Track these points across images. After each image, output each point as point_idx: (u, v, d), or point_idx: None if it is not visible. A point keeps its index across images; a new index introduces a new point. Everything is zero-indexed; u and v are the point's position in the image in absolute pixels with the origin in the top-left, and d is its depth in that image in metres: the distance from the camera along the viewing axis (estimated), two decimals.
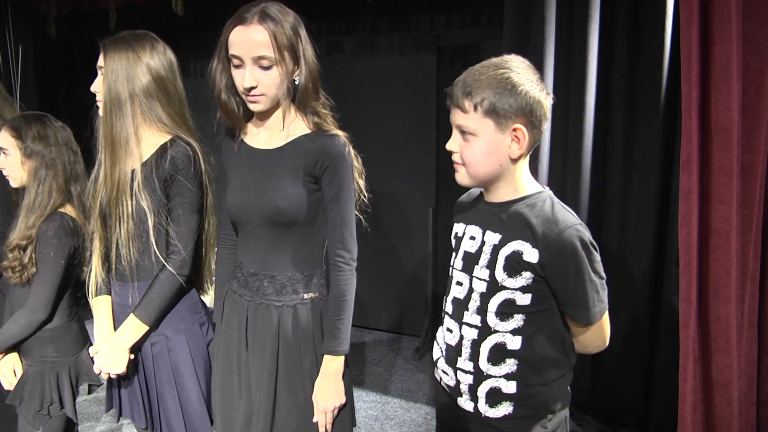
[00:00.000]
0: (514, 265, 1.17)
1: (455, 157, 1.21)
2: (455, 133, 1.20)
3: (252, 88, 1.32)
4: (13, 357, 1.73)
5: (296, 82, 1.37)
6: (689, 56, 1.74)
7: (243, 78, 1.32)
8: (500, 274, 1.18)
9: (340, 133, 1.40)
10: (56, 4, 3.76)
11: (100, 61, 1.50)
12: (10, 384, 1.73)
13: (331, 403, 1.41)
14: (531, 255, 1.15)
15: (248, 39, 1.29)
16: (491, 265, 1.19)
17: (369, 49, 3.65)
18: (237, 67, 1.33)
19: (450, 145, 1.21)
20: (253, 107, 1.37)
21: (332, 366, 1.41)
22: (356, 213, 1.49)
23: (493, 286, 1.20)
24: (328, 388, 1.41)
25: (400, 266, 3.79)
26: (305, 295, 1.44)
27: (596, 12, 2.26)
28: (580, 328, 1.23)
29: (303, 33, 1.35)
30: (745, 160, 1.76)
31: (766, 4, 1.70)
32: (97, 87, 1.52)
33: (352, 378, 3.16)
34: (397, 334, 3.83)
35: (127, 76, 1.45)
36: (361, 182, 1.49)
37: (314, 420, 1.43)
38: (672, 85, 2.25)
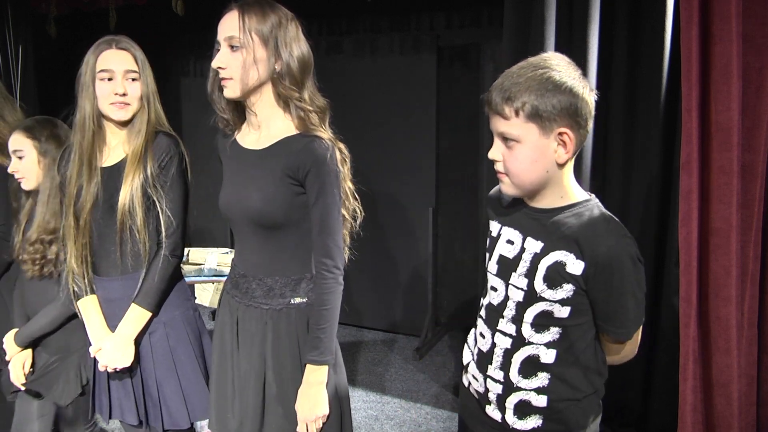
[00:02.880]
0: (556, 276, 1.12)
1: (498, 167, 1.14)
2: (497, 141, 1.12)
3: (221, 70, 1.34)
4: (28, 353, 1.77)
5: (275, 75, 1.34)
6: (689, 56, 1.74)
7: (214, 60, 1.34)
8: (540, 285, 1.13)
9: (324, 135, 1.36)
10: (56, 4, 3.76)
11: (136, 66, 1.56)
12: (17, 378, 1.75)
13: (312, 414, 1.37)
14: (575, 267, 1.10)
15: (223, 22, 1.33)
16: (530, 275, 1.14)
17: (369, 49, 3.65)
18: (218, 52, 1.35)
19: (492, 154, 1.13)
20: (225, 93, 1.37)
21: (313, 376, 1.37)
22: (348, 218, 1.46)
23: (531, 297, 1.14)
24: (309, 398, 1.37)
25: (400, 266, 3.79)
26: (293, 300, 1.41)
27: (596, 12, 2.26)
28: (615, 345, 1.19)
29: (291, 28, 1.34)
30: (745, 160, 1.76)
31: (766, 4, 1.70)
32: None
33: (352, 379, 3.14)
34: (397, 334, 3.83)
35: (150, 81, 1.58)
36: (350, 185, 1.45)
37: (297, 430, 1.40)
38: (672, 85, 2.25)
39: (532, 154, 1.09)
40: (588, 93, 1.09)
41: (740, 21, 1.68)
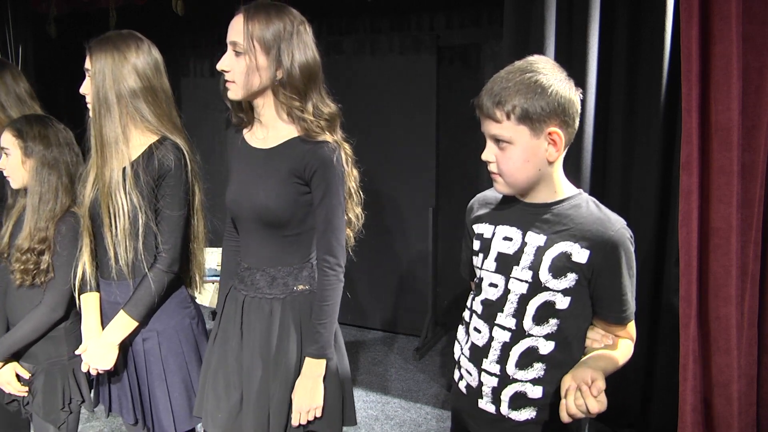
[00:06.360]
0: (561, 266, 1.16)
1: (491, 167, 1.19)
2: (489, 143, 1.18)
3: (225, 72, 1.36)
4: (14, 364, 1.71)
5: (276, 82, 1.37)
6: (689, 56, 1.74)
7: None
8: (545, 275, 1.17)
9: (329, 139, 1.41)
10: (56, 4, 3.76)
11: (87, 63, 1.51)
12: (15, 390, 1.71)
13: (306, 405, 1.43)
14: (580, 256, 1.15)
15: (231, 25, 1.36)
16: (534, 267, 1.18)
17: (369, 49, 3.65)
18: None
19: (486, 156, 1.19)
20: (228, 95, 1.40)
21: (312, 369, 1.43)
22: (354, 219, 1.51)
23: (536, 288, 1.19)
24: (306, 390, 1.43)
25: (400, 266, 3.79)
26: (296, 287, 1.46)
27: (596, 12, 2.26)
28: (617, 331, 1.23)
29: (296, 35, 1.36)
30: (745, 160, 1.76)
31: (766, 4, 1.70)
32: (86, 89, 1.53)
33: (352, 379, 3.14)
34: (397, 334, 3.83)
35: (114, 77, 1.47)
36: (353, 185, 1.49)
37: (291, 418, 1.45)
38: (672, 85, 2.25)
39: (524, 155, 1.14)
40: (574, 93, 1.14)
41: (740, 21, 1.68)
